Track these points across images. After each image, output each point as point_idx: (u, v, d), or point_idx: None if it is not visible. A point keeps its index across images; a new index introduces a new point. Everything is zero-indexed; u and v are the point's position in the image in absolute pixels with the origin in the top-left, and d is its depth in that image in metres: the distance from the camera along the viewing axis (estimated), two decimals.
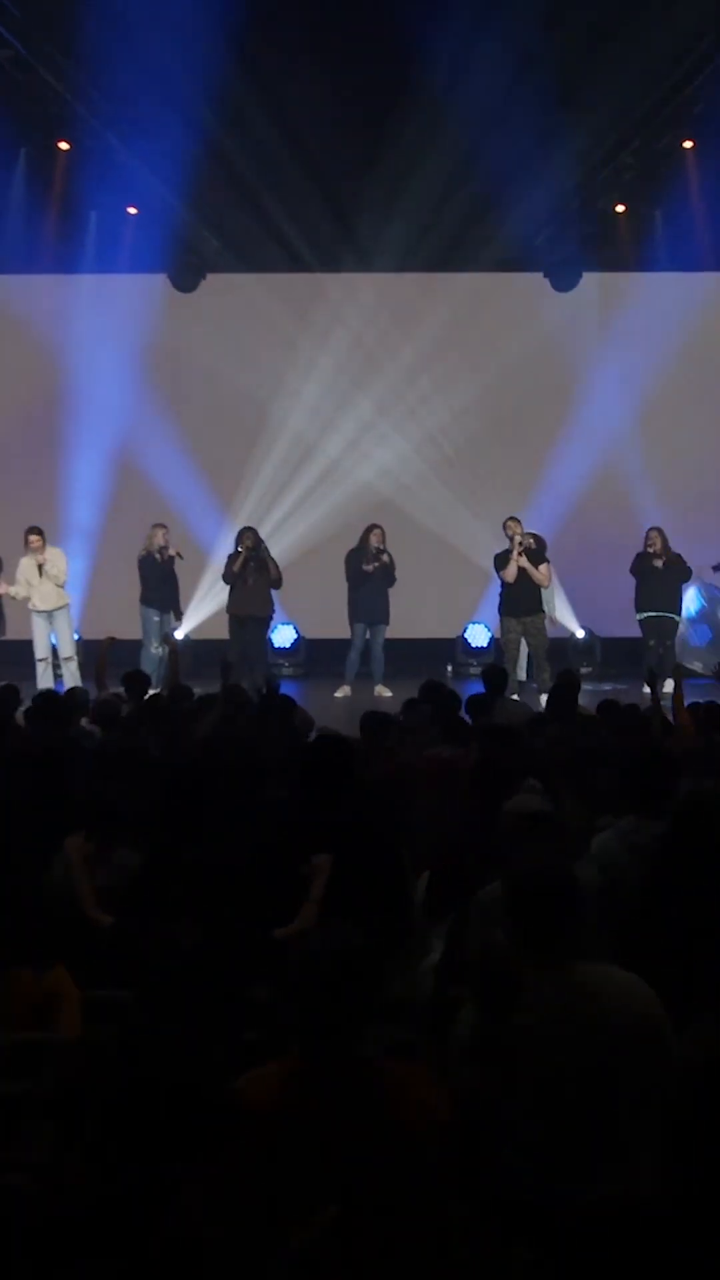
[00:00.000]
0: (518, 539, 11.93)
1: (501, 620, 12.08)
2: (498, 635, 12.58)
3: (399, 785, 5.96)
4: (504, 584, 11.95)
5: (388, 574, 12.57)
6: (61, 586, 11.76)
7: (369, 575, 12.49)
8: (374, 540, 12.61)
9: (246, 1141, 2.53)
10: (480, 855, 4.39)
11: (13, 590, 11.71)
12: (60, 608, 11.76)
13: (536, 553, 11.94)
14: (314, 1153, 2.48)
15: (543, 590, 12.13)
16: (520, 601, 11.83)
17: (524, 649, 12.09)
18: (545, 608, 12.30)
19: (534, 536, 12.15)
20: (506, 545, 12.27)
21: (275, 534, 14.22)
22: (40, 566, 11.67)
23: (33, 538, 11.79)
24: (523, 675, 12.25)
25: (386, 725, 7.08)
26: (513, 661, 11.90)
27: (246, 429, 14.52)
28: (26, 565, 11.73)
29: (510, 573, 11.80)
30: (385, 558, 12.54)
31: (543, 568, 11.91)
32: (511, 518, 12.33)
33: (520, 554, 11.82)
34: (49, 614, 11.72)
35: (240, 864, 4.57)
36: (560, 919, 3.02)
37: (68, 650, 11.67)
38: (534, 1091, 2.87)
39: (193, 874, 4.25)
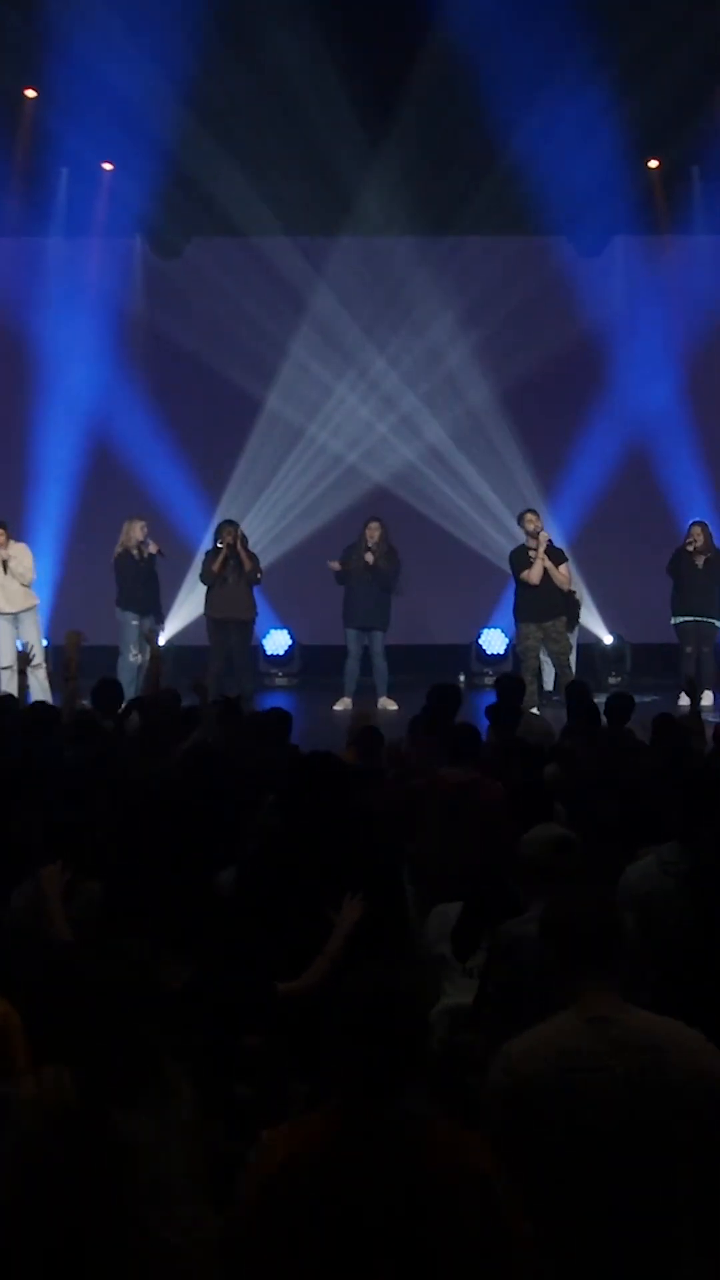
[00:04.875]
0: (542, 535, 11.90)
1: (518, 626, 12.06)
2: (515, 643, 12.58)
3: (406, 812, 5.96)
4: (520, 586, 11.91)
5: (379, 575, 12.55)
6: (28, 586, 11.75)
7: (360, 574, 12.49)
8: (368, 536, 12.63)
9: (265, 1213, 2.50)
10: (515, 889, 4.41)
11: None
12: (28, 609, 11.75)
13: (556, 552, 11.92)
14: (348, 1225, 2.46)
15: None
16: (539, 604, 11.79)
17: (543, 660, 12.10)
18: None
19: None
20: (518, 541, 12.26)
21: (266, 529, 14.25)
22: (5, 564, 11.66)
23: None
24: (548, 684, 12.26)
25: (380, 744, 7.10)
26: (532, 671, 11.89)
27: (235, 412, 14.54)
28: None
29: (535, 573, 11.75)
30: (369, 557, 12.53)
31: (563, 568, 11.88)
32: (529, 510, 12.32)
33: (542, 551, 11.80)
34: (14, 617, 11.72)
35: (230, 898, 4.59)
36: (585, 954, 3.02)
37: (37, 657, 11.67)
38: (569, 1165, 2.87)
39: (178, 908, 4.26)
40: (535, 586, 11.79)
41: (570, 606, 12.30)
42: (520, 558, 11.96)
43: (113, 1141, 2.91)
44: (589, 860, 5.03)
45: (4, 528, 11.84)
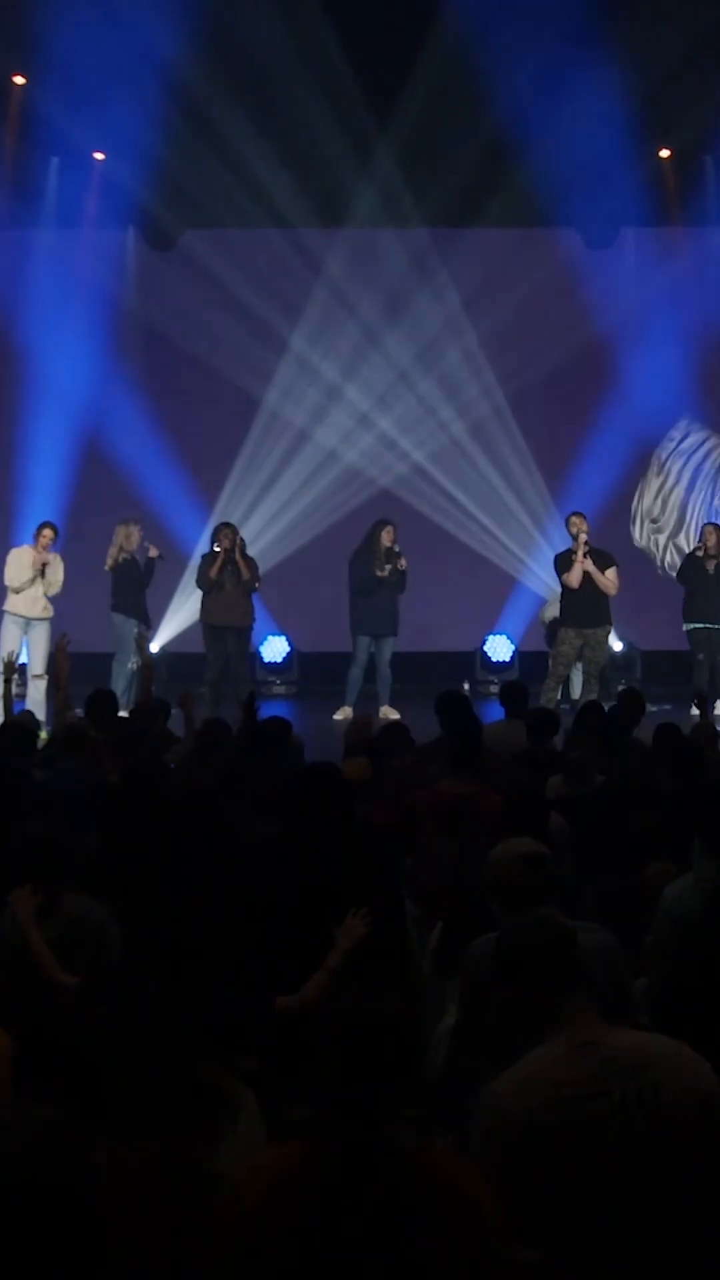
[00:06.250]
0: (583, 538, 11.88)
1: (559, 630, 12.08)
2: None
3: (405, 826, 6.00)
4: (563, 590, 11.94)
5: (402, 580, 12.61)
6: (48, 598, 11.88)
7: (381, 581, 12.52)
8: (386, 539, 12.63)
9: (244, 1247, 2.48)
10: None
11: (11, 579, 11.81)
12: (43, 619, 11.85)
13: (603, 555, 11.91)
14: (331, 1259, 2.43)
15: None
16: (580, 610, 11.78)
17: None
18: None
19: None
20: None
21: (265, 532, 14.29)
22: (44, 567, 11.79)
23: (47, 532, 11.96)
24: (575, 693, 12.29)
25: (403, 741, 7.16)
26: (559, 679, 11.92)
27: (232, 410, 14.58)
28: (29, 559, 11.83)
29: (574, 577, 11.74)
30: (402, 563, 12.57)
31: (610, 573, 11.83)
32: (574, 512, 12.28)
33: (585, 556, 11.78)
34: (27, 622, 11.81)
35: (225, 916, 4.62)
36: (561, 980, 3.01)
37: (39, 667, 11.72)
38: (560, 1189, 2.88)
39: (170, 926, 4.30)
40: (575, 591, 11.78)
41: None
42: (563, 561, 11.97)
43: (206, 1186, 2.86)
44: (596, 874, 5.11)
45: (55, 531, 11.97)
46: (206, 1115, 2.97)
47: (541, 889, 4.04)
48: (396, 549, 12.61)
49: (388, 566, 12.51)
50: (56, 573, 11.94)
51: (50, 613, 11.93)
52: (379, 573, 12.54)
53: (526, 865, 4.04)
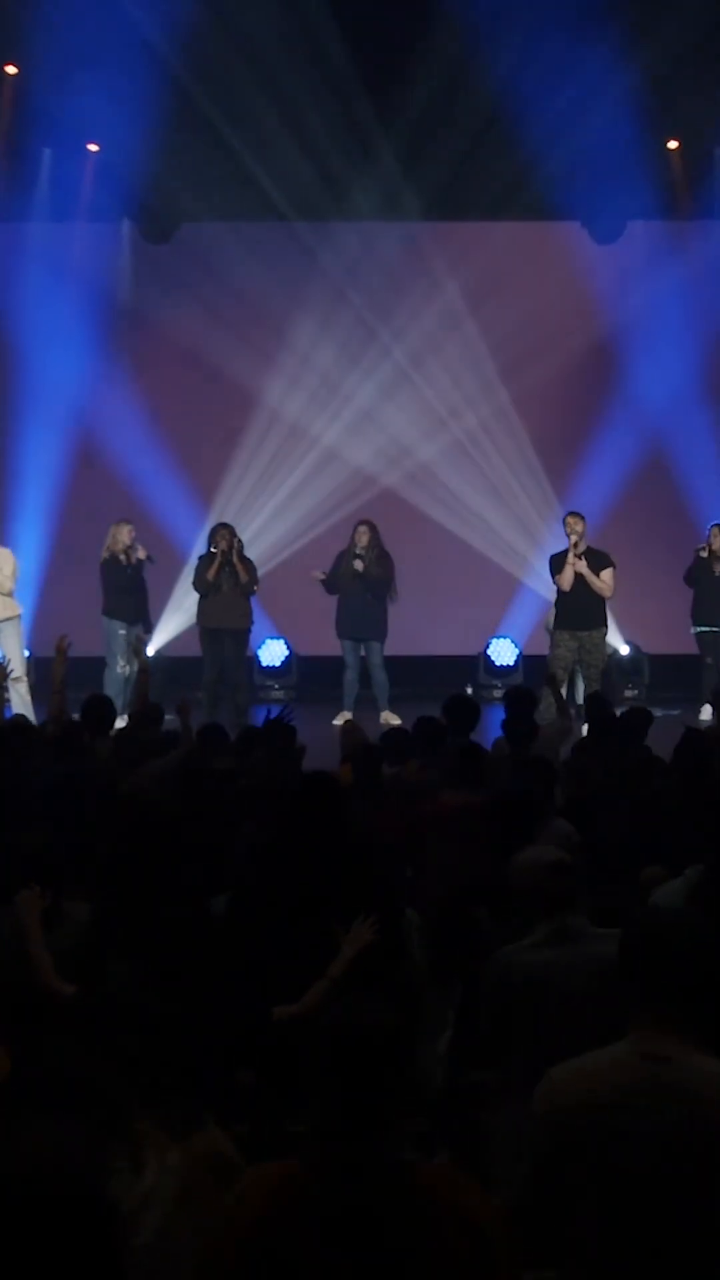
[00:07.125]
0: (574, 538, 11.87)
1: (554, 633, 12.09)
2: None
3: (408, 837, 6.00)
4: (558, 592, 11.94)
5: (369, 583, 12.57)
6: (10, 594, 11.76)
7: (350, 583, 12.51)
8: (357, 541, 12.64)
9: (234, 1268, 2.48)
10: (491, 910, 4.44)
11: None
12: (9, 619, 11.76)
13: (599, 556, 11.91)
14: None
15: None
16: (576, 613, 11.77)
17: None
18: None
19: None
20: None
21: (263, 533, 14.27)
22: None
23: None
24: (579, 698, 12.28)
25: (402, 747, 7.15)
26: (558, 683, 11.91)
27: (230, 407, 14.57)
28: None
29: (564, 579, 11.76)
30: (357, 565, 12.53)
31: (605, 574, 11.82)
32: (571, 513, 12.28)
33: (578, 557, 11.78)
34: None
35: (221, 923, 4.62)
36: (676, 982, 2.98)
37: (17, 670, 11.66)
38: (588, 1192, 2.88)
39: (165, 933, 4.29)
40: (567, 593, 11.79)
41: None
42: (556, 562, 11.97)
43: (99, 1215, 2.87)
44: (595, 879, 5.11)
45: None
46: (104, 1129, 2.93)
47: (570, 896, 4.08)
48: (357, 551, 12.58)
49: (350, 568, 12.48)
50: (3, 568, 11.68)
51: (14, 611, 11.77)
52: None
53: (553, 873, 4.07)
